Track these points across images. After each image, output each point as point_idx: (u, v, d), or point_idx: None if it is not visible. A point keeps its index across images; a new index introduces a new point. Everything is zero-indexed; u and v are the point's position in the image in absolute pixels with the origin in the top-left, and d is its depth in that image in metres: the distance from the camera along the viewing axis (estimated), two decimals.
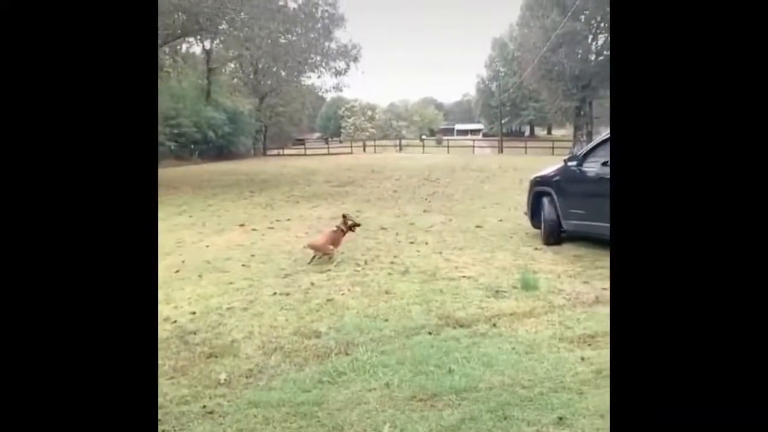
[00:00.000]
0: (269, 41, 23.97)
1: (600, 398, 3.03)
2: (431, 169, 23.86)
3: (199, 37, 24.07)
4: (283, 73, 36.15)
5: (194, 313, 4.87)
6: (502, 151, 43.93)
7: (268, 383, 3.43)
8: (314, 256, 6.72)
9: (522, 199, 9.40)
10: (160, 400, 3.08)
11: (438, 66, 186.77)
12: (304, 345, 4.03)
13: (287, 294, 5.41)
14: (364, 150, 49.17)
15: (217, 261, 7.13)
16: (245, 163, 32.74)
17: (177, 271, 6.50)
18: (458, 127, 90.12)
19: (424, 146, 50.19)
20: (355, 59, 35.54)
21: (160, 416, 2.91)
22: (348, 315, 4.68)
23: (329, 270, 6.32)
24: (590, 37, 38.32)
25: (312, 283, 5.76)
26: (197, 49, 28.38)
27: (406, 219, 10.62)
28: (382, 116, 78.15)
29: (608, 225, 5.86)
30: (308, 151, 47.25)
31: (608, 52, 37.31)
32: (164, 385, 3.39)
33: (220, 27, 21.53)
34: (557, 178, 7.91)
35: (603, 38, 38.24)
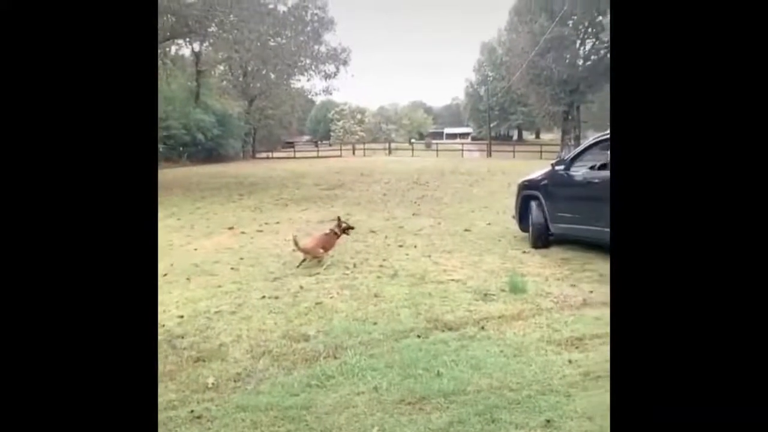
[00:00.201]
0: (259, 44, 23.92)
1: (587, 401, 3.06)
2: (420, 172, 23.89)
3: (188, 39, 24.01)
4: (273, 76, 36.11)
5: (182, 316, 4.85)
6: (490, 155, 44.09)
7: (256, 387, 3.42)
8: (303, 259, 6.70)
9: (510, 203, 9.45)
10: None
11: (427, 69, 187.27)
12: (292, 348, 4.03)
13: (276, 297, 5.39)
14: (354, 153, 49.18)
15: (206, 264, 7.10)
16: (234, 166, 32.60)
17: (165, 275, 6.46)
18: (447, 130, 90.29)
19: (413, 150, 50.32)
20: (345, 62, 35.60)
21: None
22: (337, 318, 4.68)
23: (318, 273, 6.31)
24: (578, 42, 38.62)
25: (301, 287, 5.75)
26: (186, 52, 28.32)
27: (395, 222, 10.63)
28: (371, 119, 78.12)
29: (595, 228, 5.91)
30: (297, 154, 47.23)
31: (595, 57, 37.79)
32: None
33: (209, 29, 21.47)
34: (545, 182, 7.96)
35: (590, 43, 38.59)
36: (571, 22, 37.08)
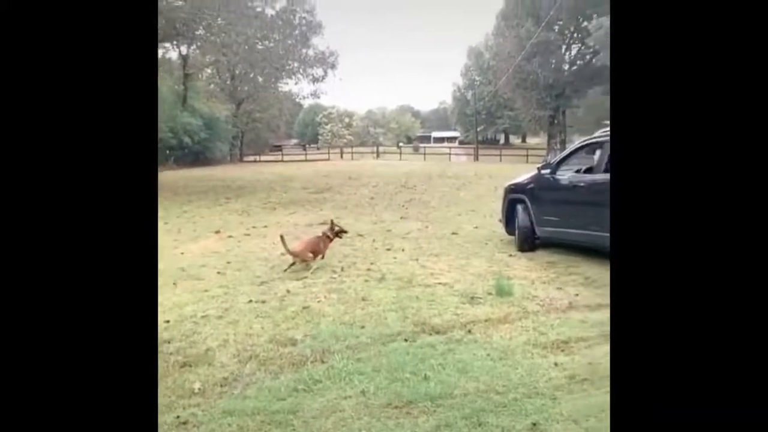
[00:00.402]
0: (246, 47, 23.88)
1: (573, 404, 3.08)
2: (408, 176, 23.94)
3: (175, 42, 23.88)
4: (261, 80, 36.07)
5: (168, 321, 4.81)
6: (477, 159, 44.29)
7: (242, 392, 3.41)
8: (292, 263, 6.68)
9: (497, 206, 9.49)
10: None
11: (416, 73, 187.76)
12: (279, 353, 4.02)
13: (263, 301, 5.38)
14: (342, 157, 49.14)
15: (192, 268, 7.06)
16: (221, 169, 32.45)
17: None
18: (435, 134, 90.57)
19: (401, 153, 50.37)
20: (333, 66, 35.55)
21: None
22: (324, 322, 4.67)
23: (306, 277, 6.30)
24: (563, 47, 38.95)
25: (288, 291, 5.74)
26: (173, 55, 28.15)
27: (383, 226, 10.65)
28: (359, 123, 78.17)
29: (581, 232, 5.94)
30: (285, 158, 47.09)
31: (581, 62, 38.12)
32: None
33: (196, 32, 21.42)
34: (531, 185, 8.01)
35: (576, 48, 38.95)
36: (557, 27, 37.41)
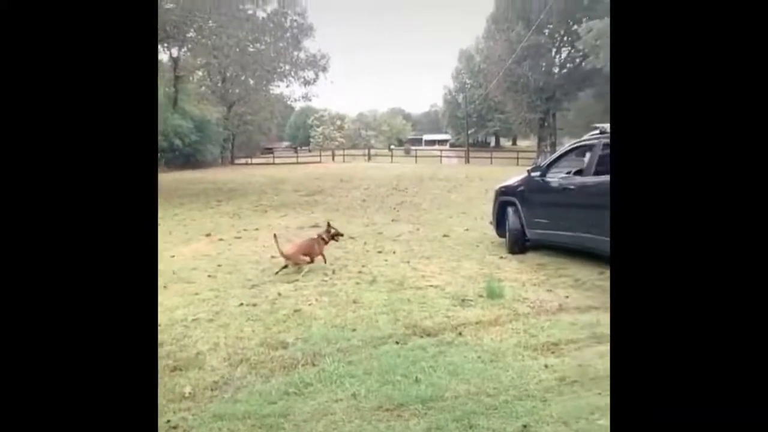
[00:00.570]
0: (238, 50, 23.82)
1: (563, 405, 3.10)
2: (399, 178, 23.96)
3: (166, 44, 23.72)
4: (252, 82, 35.94)
5: (159, 325, 4.79)
6: (468, 161, 44.39)
7: (233, 395, 3.40)
8: (285, 266, 6.67)
9: (488, 209, 9.53)
10: None
11: (407, 75, 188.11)
12: (270, 356, 4.01)
13: (254, 305, 5.36)
14: (333, 159, 49.11)
15: (183, 271, 7.03)
16: (212, 172, 32.34)
17: None
18: (426, 137, 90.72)
19: (392, 156, 50.41)
20: (324, 69, 35.52)
21: None
22: (315, 325, 4.67)
23: (297, 280, 6.29)
24: (554, 50, 39.22)
25: (279, 294, 5.73)
26: (164, 57, 27.99)
27: (374, 228, 10.65)
28: (351, 126, 78.14)
29: (570, 234, 5.97)
30: (277, 160, 46.94)
31: (571, 65, 38.37)
32: None
33: (187, 35, 21.34)
34: (521, 188, 8.05)
35: (566, 52, 39.21)
36: (547, 30, 37.66)
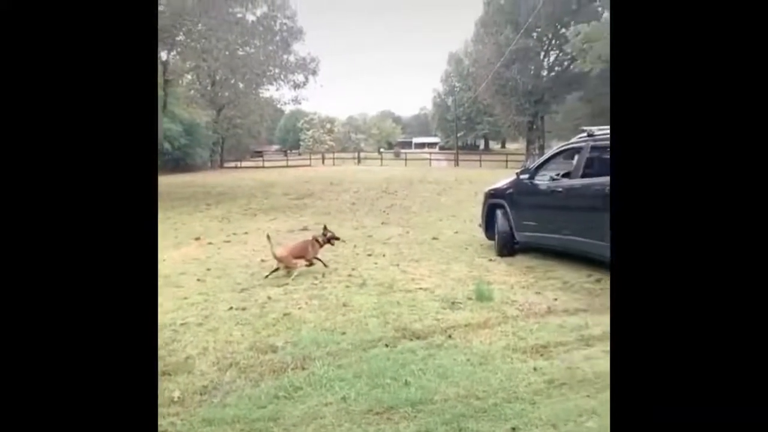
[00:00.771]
0: (227, 53, 23.79)
1: (552, 408, 3.11)
2: (389, 181, 23.98)
3: None
4: (241, 85, 35.90)
5: None
6: (458, 164, 44.55)
7: (222, 400, 3.39)
8: (276, 269, 6.65)
9: (477, 211, 9.56)
10: None
11: (397, 78, 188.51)
12: (259, 360, 4.00)
13: (243, 308, 5.35)
14: (323, 162, 49.09)
15: (172, 275, 6.99)
16: (202, 176, 32.20)
17: None
18: (415, 140, 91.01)
19: (382, 159, 50.53)
20: (314, 72, 35.59)
21: None
22: (305, 329, 4.66)
23: (287, 284, 6.28)
24: (542, 53, 39.49)
25: (269, 297, 5.72)
26: None
27: (364, 231, 10.66)
28: (340, 129, 78.19)
29: (558, 236, 6.02)
30: (266, 164, 46.89)
31: (559, 68, 38.65)
32: None
33: (177, 38, 21.27)
34: (510, 190, 8.09)
35: (554, 55, 39.50)
36: (535, 34, 37.93)
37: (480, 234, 8.97)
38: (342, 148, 70.64)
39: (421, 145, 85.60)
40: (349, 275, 6.70)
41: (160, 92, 28.24)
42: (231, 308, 5.37)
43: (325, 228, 7.29)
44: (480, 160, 43.59)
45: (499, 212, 8.15)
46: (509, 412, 3.08)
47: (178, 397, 3.43)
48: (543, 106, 39.51)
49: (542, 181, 7.53)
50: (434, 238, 9.56)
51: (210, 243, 9.69)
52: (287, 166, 44.11)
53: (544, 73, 39.85)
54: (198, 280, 6.74)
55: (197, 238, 10.24)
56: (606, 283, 5.88)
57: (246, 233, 10.77)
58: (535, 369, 3.68)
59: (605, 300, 5.30)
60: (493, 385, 3.44)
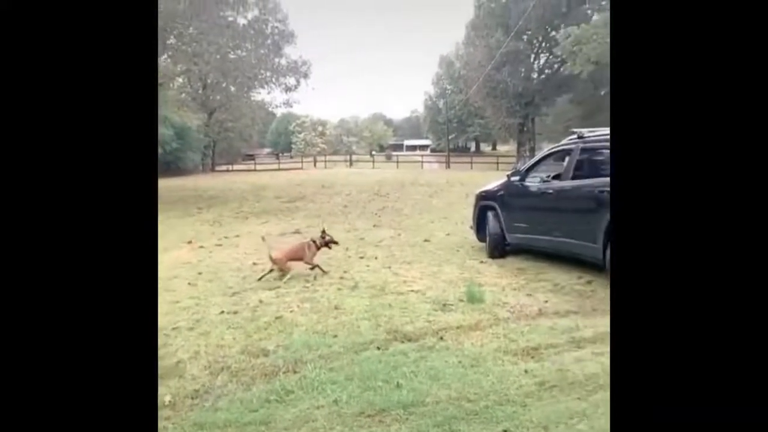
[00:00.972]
0: (218, 56, 23.76)
1: (542, 410, 3.13)
2: (381, 184, 24.00)
3: None
4: (233, 89, 35.83)
5: None
6: (449, 167, 44.63)
7: (214, 404, 3.38)
8: (270, 270, 6.63)
9: (468, 213, 9.59)
10: None
11: (388, 80, 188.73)
12: (251, 364, 3.99)
13: (235, 312, 5.34)
14: (315, 165, 49.08)
15: (163, 280, 6.95)
16: (193, 179, 32.11)
17: None
18: (407, 142, 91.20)
19: (373, 161, 50.51)
20: (305, 75, 35.55)
21: None
22: (297, 332, 4.66)
23: (278, 287, 6.27)
24: (532, 56, 39.67)
25: (260, 301, 5.70)
26: None
27: (356, 234, 10.66)
28: (332, 132, 78.22)
29: (549, 238, 6.04)
30: (258, 167, 46.84)
31: (549, 71, 38.86)
32: None
33: (168, 41, 21.19)
34: (501, 192, 8.12)
35: (544, 57, 39.70)
36: (525, 36, 38.10)
37: (471, 236, 9.00)
38: (334, 150, 70.69)
39: (413, 148, 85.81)
40: (341, 278, 6.70)
41: None
42: (222, 312, 5.35)
43: (323, 231, 7.25)
44: (471, 162, 43.71)
45: (490, 214, 8.18)
46: (500, 415, 3.09)
47: (170, 401, 3.42)
48: (533, 109, 39.68)
49: (533, 183, 7.56)
50: (426, 241, 9.58)
51: (201, 246, 9.66)
52: (279, 169, 44.06)
53: (535, 75, 40.04)
54: (189, 283, 6.72)
55: (189, 242, 10.21)
56: (596, 285, 5.92)
57: (237, 236, 10.75)
58: (526, 371, 3.69)
59: (596, 302, 5.33)
60: (485, 388, 3.45)
